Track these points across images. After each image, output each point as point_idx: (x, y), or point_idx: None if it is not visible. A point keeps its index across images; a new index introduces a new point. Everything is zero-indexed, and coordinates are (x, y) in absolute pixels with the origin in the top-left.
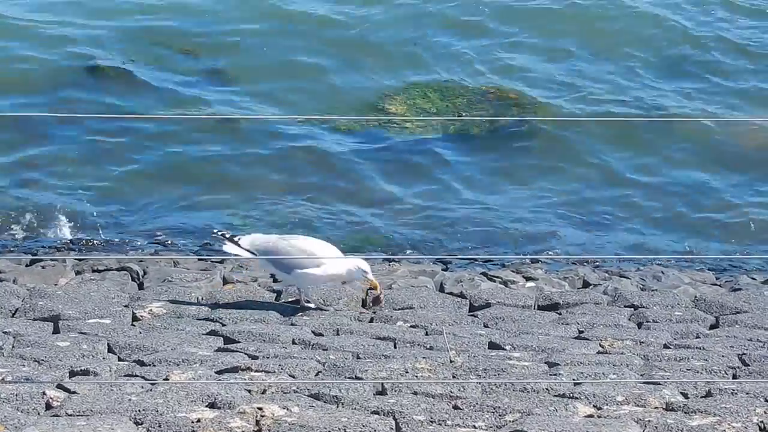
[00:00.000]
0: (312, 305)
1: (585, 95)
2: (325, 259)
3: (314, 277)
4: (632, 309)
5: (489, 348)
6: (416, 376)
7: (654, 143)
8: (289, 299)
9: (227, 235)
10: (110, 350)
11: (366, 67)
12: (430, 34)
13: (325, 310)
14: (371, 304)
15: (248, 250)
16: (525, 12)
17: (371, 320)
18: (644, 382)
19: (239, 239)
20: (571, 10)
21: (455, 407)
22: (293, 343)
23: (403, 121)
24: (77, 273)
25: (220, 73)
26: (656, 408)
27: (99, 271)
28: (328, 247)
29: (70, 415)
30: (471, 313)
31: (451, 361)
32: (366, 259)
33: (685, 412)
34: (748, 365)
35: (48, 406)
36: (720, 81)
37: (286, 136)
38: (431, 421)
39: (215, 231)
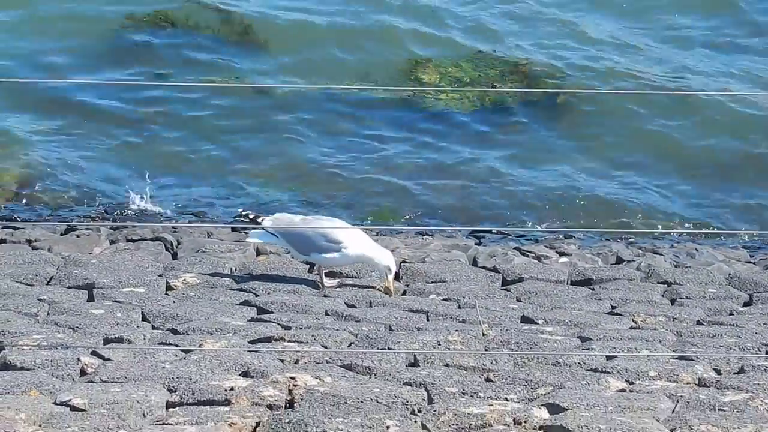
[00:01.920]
0: (328, 285)
1: (620, 70)
2: (343, 242)
3: (331, 261)
4: (665, 285)
5: (521, 322)
6: (448, 349)
7: (690, 116)
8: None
9: (251, 216)
10: (144, 319)
11: (398, 36)
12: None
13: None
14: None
15: (270, 232)
16: None
17: (404, 293)
18: (677, 358)
19: (263, 220)
20: None
21: (487, 380)
22: (326, 314)
23: (436, 92)
24: (112, 242)
25: (252, 42)
26: (689, 383)
27: (133, 241)
28: (353, 232)
29: (105, 382)
30: (504, 288)
31: (483, 334)
32: (399, 232)
33: (718, 388)
34: None
35: (82, 373)
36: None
37: (319, 106)
38: (463, 393)
39: (241, 211)
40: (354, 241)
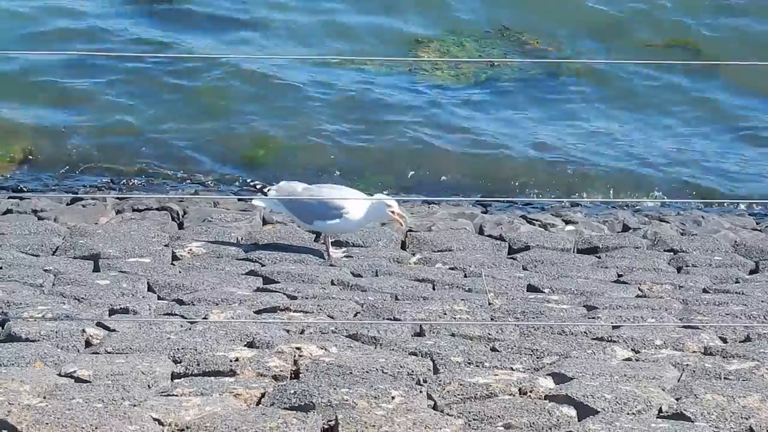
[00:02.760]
0: (334, 255)
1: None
2: (345, 207)
3: (335, 227)
4: (672, 253)
5: (527, 291)
6: (454, 318)
7: (691, 88)
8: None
9: (258, 187)
10: (150, 289)
11: (401, 12)
12: None
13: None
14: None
15: (274, 201)
16: None
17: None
18: (683, 326)
19: (268, 190)
20: None
21: (493, 349)
22: (332, 283)
23: (436, 65)
24: (117, 212)
25: (251, 15)
26: (694, 352)
27: (139, 211)
28: (353, 196)
29: (110, 353)
30: (510, 256)
31: (489, 304)
32: (405, 202)
33: (724, 357)
34: None
35: (87, 344)
36: None
37: (322, 78)
38: (469, 363)
39: (250, 182)
40: (354, 205)
